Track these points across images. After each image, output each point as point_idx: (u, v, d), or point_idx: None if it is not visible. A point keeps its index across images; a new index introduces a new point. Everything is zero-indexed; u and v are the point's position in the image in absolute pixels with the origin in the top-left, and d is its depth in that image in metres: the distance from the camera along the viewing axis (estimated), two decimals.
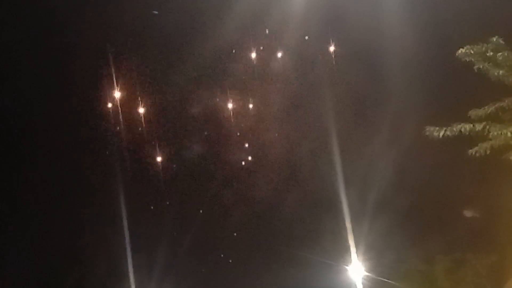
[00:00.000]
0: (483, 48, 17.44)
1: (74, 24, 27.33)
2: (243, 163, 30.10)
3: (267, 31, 26.94)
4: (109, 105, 28.85)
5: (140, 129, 29.64)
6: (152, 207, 29.41)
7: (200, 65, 28.38)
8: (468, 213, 24.77)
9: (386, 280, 23.79)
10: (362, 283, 24.53)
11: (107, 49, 27.82)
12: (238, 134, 29.93)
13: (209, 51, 27.48)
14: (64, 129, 28.92)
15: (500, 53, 17.39)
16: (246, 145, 30.11)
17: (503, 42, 17.44)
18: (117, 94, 28.57)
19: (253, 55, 28.45)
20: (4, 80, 27.71)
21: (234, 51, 28.45)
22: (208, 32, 27.23)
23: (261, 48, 28.12)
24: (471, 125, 17.80)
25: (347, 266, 24.87)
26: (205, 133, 30.59)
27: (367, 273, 24.52)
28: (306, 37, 26.37)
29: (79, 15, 27.04)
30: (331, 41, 26.32)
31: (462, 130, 17.85)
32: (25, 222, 27.62)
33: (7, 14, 26.16)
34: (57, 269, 27.10)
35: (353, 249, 24.67)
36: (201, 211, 29.53)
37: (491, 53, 17.46)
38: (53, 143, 28.56)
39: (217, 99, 29.76)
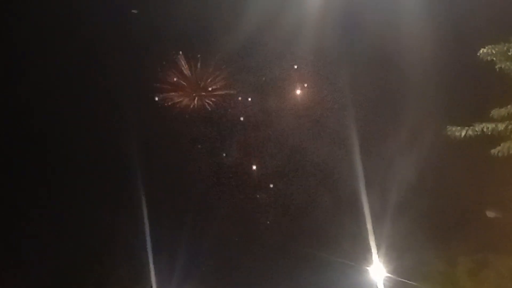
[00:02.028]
0: (505, 48, 17.28)
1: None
2: (267, 166, 30.37)
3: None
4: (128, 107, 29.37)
5: (160, 127, 30.02)
6: (174, 208, 29.58)
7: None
8: (490, 214, 24.57)
9: (408, 282, 23.67)
10: (383, 284, 24.44)
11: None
12: (260, 139, 30.24)
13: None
14: (87, 131, 29.25)
15: None
16: (266, 147, 30.35)
17: None
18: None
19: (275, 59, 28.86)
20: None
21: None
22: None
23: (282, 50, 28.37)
24: (494, 125, 17.65)
25: (368, 267, 24.83)
26: (227, 135, 30.83)
27: (388, 274, 24.44)
28: (326, 38, 26.39)
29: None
30: (351, 42, 26.38)
31: (484, 129, 17.68)
32: (46, 222, 27.85)
33: None
34: (78, 269, 27.32)
35: (374, 250, 24.61)
36: (223, 213, 29.67)
37: None
38: (75, 145, 28.87)
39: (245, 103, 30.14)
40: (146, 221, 27.58)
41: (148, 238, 27.25)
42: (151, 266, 27.01)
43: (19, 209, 27.73)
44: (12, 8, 27.02)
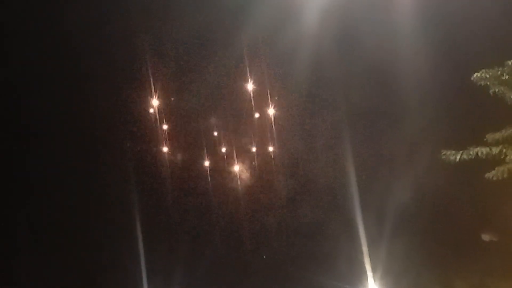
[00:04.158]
0: (499, 72, 17.36)
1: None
2: (257, 186, 30.38)
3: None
4: (128, 126, 29.53)
5: (159, 148, 30.10)
6: (170, 229, 29.57)
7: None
8: (485, 237, 24.52)
9: None
10: None
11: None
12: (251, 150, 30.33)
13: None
14: (86, 153, 29.27)
15: None
16: (259, 166, 30.44)
17: None
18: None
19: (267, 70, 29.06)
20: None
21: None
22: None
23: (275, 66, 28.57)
24: (488, 149, 17.69)
25: None
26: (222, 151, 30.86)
27: None
28: (319, 61, 26.54)
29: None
30: (348, 65, 26.49)
31: (479, 153, 17.71)
32: (41, 244, 27.77)
33: None
34: None
35: (369, 273, 24.48)
36: (220, 236, 29.66)
37: (507, 77, 17.38)
38: (73, 166, 28.86)
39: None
40: (140, 242, 27.54)
41: (142, 259, 27.20)
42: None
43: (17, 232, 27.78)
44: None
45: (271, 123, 29.81)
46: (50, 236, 27.79)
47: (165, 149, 30.29)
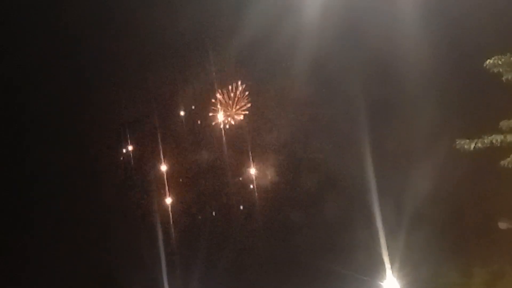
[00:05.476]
0: (511, 58, 17.18)
1: None
2: (278, 178, 30.50)
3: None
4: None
5: (175, 154, 30.33)
6: (189, 227, 29.79)
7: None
8: (503, 225, 24.32)
9: None
10: None
11: None
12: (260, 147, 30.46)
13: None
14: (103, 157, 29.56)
15: None
16: (279, 157, 30.51)
17: None
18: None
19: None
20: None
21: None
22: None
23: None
24: (502, 136, 17.51)
25: (382, 282, 24.61)
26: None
27: None
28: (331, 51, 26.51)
29: None
30: (360, 58, 26.42)
31: (494, 141, 17.53)
32: (61, 241, 28.09)
33: None
34: None
35: (387, 264, 24.41)
36: (236, 229, 29.82)
37: None
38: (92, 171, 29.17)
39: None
40: (161, 241, 27.76)
41: (163, 258, 27.41)
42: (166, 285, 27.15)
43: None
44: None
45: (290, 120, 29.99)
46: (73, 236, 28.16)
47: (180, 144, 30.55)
